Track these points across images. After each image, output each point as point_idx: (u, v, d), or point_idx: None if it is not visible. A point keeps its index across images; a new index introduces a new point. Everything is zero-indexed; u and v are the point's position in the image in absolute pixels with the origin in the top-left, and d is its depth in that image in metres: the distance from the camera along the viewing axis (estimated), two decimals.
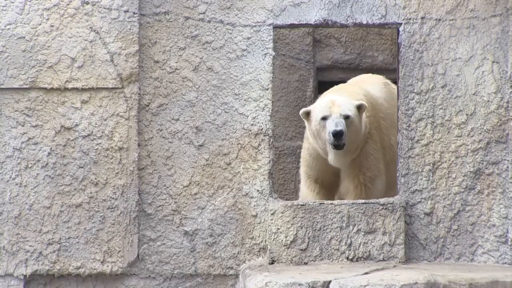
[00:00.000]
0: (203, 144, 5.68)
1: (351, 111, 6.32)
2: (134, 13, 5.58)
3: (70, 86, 5.58)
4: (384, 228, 5.59)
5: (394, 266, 5.48)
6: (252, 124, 5.68)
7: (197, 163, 5.68)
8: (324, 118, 6.29)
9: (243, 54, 5.69)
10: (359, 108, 6.40)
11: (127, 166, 5.61)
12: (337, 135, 6.17)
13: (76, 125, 5.59)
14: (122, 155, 5.61)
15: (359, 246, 5.59)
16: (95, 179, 5.60)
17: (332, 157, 6.38)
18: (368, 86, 7.01)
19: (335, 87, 6.96)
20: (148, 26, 5.66)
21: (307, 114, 6.42)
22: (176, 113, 5.68)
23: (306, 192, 6.74)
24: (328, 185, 6.73)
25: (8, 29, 5.54)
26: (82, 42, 5.58)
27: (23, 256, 5.59)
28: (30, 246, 5.59)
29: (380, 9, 5.71)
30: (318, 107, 6.40)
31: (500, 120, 5.69)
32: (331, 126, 6.21)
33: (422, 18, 5.70)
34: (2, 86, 5.55)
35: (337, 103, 6.37)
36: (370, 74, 7.53)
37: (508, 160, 5.69)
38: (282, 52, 7.97)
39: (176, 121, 5.67)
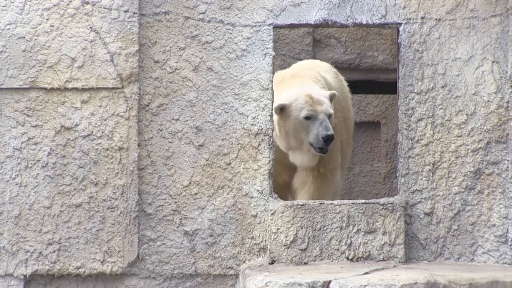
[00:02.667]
0: (203, 144, 5.68)
1: (331, 108, 6.16)
2: (134, 13, 5.59)
3: (70, 86, 5.58)
4: (384, 228, 5.59)
5: (394, 266, 5.48)
6: (252, 124, 5.68)
7: (197, 163, 5.68)
8: (308, 118, 6.11)
9: (243, 54, 5.69)
10: (331, 98, 6.25)
11: (127, 166, 5.61)
12: (329, 140, 6.01)
13: (76, 125, 5.59)
14: (122, 155, 5.61)
15: (359, 246, 5.59)
16: (95, 179, 5.60)
17: (306, 158, 6.18)
18: (324, 73, 6.77)
19: (292, 71, 6.64)
20: (148, 26, 5.66)
21: (281, 109, 6.19)
22: (176, 113, 5.68)
23: None
24: (282, 182, 6.48)
25: (8, 29, 5.54)
26: (82, 42, 5.58)
27: (23, 256, 5.59)
28: (30, 246, 5.59)
29: (380, 9, 5.71)
30: (297, 104, 6.14)
31: (500, 120, 5.69)
32: (321, 130, 6.02)
33: (422, 18, 5.70)
34: (2, 86, 5.55)
35: (316, 99, 6.15)
36: (317, 60, 7.29)
37: (508, 160, 5.69)
38: (282, 52, 7.97)
39: (176, 121, 5.67)
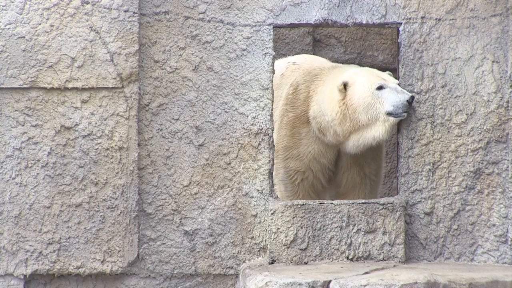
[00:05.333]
0: (203, 144, 5.68)
1: None
2: (134, 12, 5.58)
3: (70, 85, 5.58)
4: (384, 227, 5.59)
5: (394, 266, 5.48)
6: (252, 124, 5.68)
7: (197, 163, 5.68)
8: (381, 88, 5.79)
9: (243, 54, 5.69)
10: None
11: (127, 166, 5.61)
12: (412, 101, 5.63)
13: (76, 124, 5.59)
14: (122, 154, 5.61)
15: (359, 246, 5.59)
16: (95, 178, 5.60)
17: (380, 131, 5.78)
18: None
19: (326, 63, 6.46)
20: (148, 25, 5.66)
21: (345, 86, 5.89)
22: (176, 113, 5.68)
23: (288, 197, 6.20)
24: (317, 186, 6.27)
25: (8, 28, 5.54)
26: (82, 41, 5.58)
27: (23, 256, 5.59)
28: (30, 245, 5.59)
29: (380, 8, 5.71)
30: (363, 78, 5.87)
31: (500, 119, 5.69)
32: (402, 94, 5.65)
33: (422, 17, 5.70)
34: (2, 86, 5.55)
35: (378, 72, 5.91)
36: (313, 55, 7.18)
37: (508, 160, 5.69)
38: (282, 52, 7.97)
39: (176, 120, 5.67)
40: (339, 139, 6.02)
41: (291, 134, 6.18)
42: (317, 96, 6.10)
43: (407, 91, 5.67)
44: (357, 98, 5.84)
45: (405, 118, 5.69)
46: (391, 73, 5.99)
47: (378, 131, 5.81)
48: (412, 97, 5.62)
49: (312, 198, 6.21)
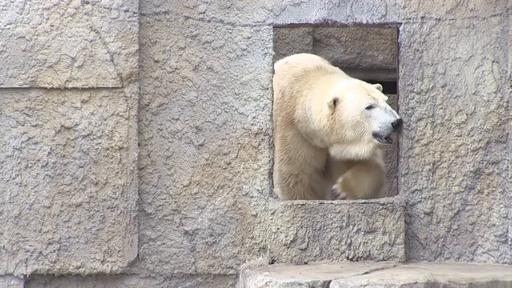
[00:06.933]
0: (203, 144, 5.68)
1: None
2: (134, 12, 5.58)
3: (70, 85, 5.58)
4: (384, 227, 5.59)
5: (394, 266, 5.49)
6: (252, 124, 5.68)
7: (197, 163, 5.68)
8: (370, 107, 5.79)
9: (243, 54, 5.69)
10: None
11: (127, 166, 5.61)
12: (398, 125, 5.66)
13: (76, 124, 5.59)
14: (122, 154, 5.61)
15: (359, 246, 5.59)
16: (95, 178, 5.60)
17: (365, 150, 5.82)
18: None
19: (312, 63, 6.34)
20: (148, 25, 5.66)
21: (335, 102, 5.87)
22: (176, 113, 5.68)
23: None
24: (313, 185, 6.27)
25: (8, 28, 5.54)
26: (82, 41, 5.58)
27: (23, 256, 5.59)
28: (30, 245, 5.59)
29: (380, 8, 5.71)
30: (353, 95, 5.86)
31: (500, 119, 5.69)
32: (388, 116, 5.71)
33: (422, 17, 5.70)
34: (2, 86, 5.55)
35: (369, 88, 5.90)
36: (308, 54, 7.07)
37: (508, 160, 5.69)
38: (282, 52, 7.97)
39: (176, 120, 5.67)
40: (326, 145, 6.08)
41: (280, 137, 6.21)
42: (302, 100, 6.12)
43: (407, 91, 5.66)
44: (346, 115, 5.86)
45: (405, 118, 5.69)
46: (381, 86, 6.01)
47: (362, 150, 5.85)
48: (399, 120, 5.65)
49: (311, 198, 6.22)
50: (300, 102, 6.13)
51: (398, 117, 5.67)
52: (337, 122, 5.89)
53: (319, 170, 6.29)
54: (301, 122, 6.13)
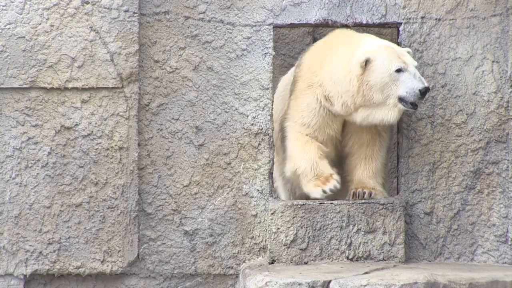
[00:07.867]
0: (203, 144, 5.68)
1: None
2: (134, 12, 5.59)
3: (70, 85, 5.58)
4: (384, 227, 5.59)
5: (394, 266, 5.48)
6: (252, 124, 5.68)
7: (197, 163, 5.68)
8: (399, 70, 5.58)
9: (243, 54, 5.69)
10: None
11: (127, 166, 5.61)
12: (426, 92, 5.51)
13: (76, 124, 5.59)
14: (122, 154, 5.61)
15: (359, 246, 5.59)
16: (95, 178, 5.60)
17: (391, 114, 5.63)
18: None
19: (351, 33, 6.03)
20: (148, 25, 5.66)
21: (366, 62, 5.65)
22: (176, 113, 5.68)
23: (305, 157, 5.86)
24: (327, 149, 5.99)
25: (8, 28, 5.54)
26: (82, 41, 5.58)
27: (23, 256, 5.59)
28: (30, 245, 5.59)
29: (380, 8, 5.71)
30: (384, 56, 5.65)
31: (500, 119, 5.69)
32: (416, 82, 5.53)
33: (422, 17, 5.70)
34: (2, 86, 5.55)
35: (399, 50, 5.70)
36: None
37: (508, 160, 5.69)
38: (282, 52, 7.96)
39: (176, 120, 5.67)
40: (348, 110, 5.81)
41: (296, 103, 6.03)
42: (329, 60, 5.88)
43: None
44: (375, 76, 5.63)
45: (405, 118, 5.69)
46: (410, 51, 5.86)
47: (388, 114, 5.65)
48: (427, 88, 5.48)
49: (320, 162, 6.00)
50: (326, 64, 5.91)
51: (426, 84, 5.49)
52: (366, 83, 5.68)
53: (334, 139, 6.11)
54: (324, 86, 5.87)
